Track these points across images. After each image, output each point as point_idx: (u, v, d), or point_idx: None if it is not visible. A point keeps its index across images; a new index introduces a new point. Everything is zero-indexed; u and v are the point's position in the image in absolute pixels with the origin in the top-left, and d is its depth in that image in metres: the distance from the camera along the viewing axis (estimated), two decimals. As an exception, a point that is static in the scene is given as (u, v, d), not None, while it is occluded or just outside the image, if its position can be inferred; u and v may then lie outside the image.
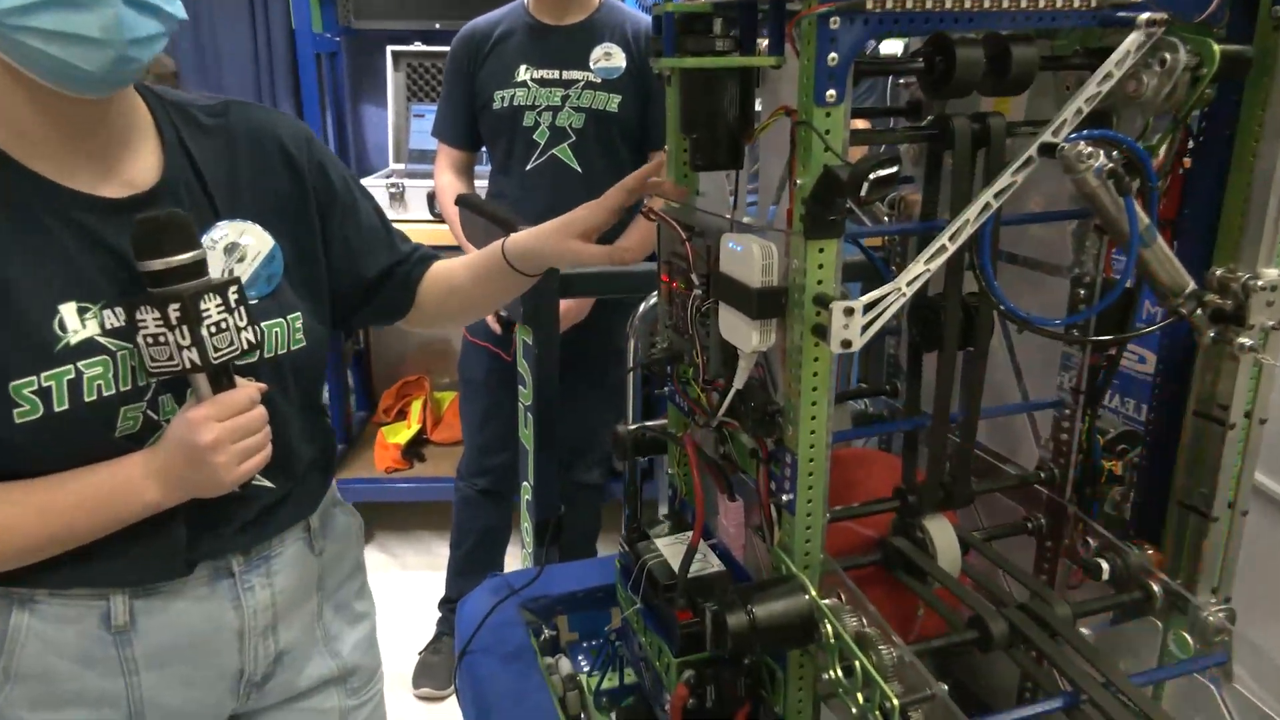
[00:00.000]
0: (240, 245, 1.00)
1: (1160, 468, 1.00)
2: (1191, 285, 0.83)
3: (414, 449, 3.02)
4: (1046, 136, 0.79)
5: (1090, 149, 0.76)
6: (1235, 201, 0.87)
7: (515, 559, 2.56)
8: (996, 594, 0.94)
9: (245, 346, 0.94)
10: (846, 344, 0.78)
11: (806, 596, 0.86)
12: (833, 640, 0.83)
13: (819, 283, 0.82)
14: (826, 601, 0.85)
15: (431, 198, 2.55)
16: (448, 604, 2.40)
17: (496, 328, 2.09)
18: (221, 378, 0.93)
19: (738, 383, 0.91)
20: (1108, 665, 0.79)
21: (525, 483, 1.58)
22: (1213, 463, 0.92)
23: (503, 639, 1.28)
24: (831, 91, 0.76)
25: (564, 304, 1.94)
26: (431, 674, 2.32)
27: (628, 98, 2.06)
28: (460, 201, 1.74)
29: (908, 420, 0.95)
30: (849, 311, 0.77)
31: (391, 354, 3.39)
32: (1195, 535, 0.94)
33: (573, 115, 2.08)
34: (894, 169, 0.71)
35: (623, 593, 1.16)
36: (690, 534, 1.11)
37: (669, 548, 1.08)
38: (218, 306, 0.91)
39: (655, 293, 1.51)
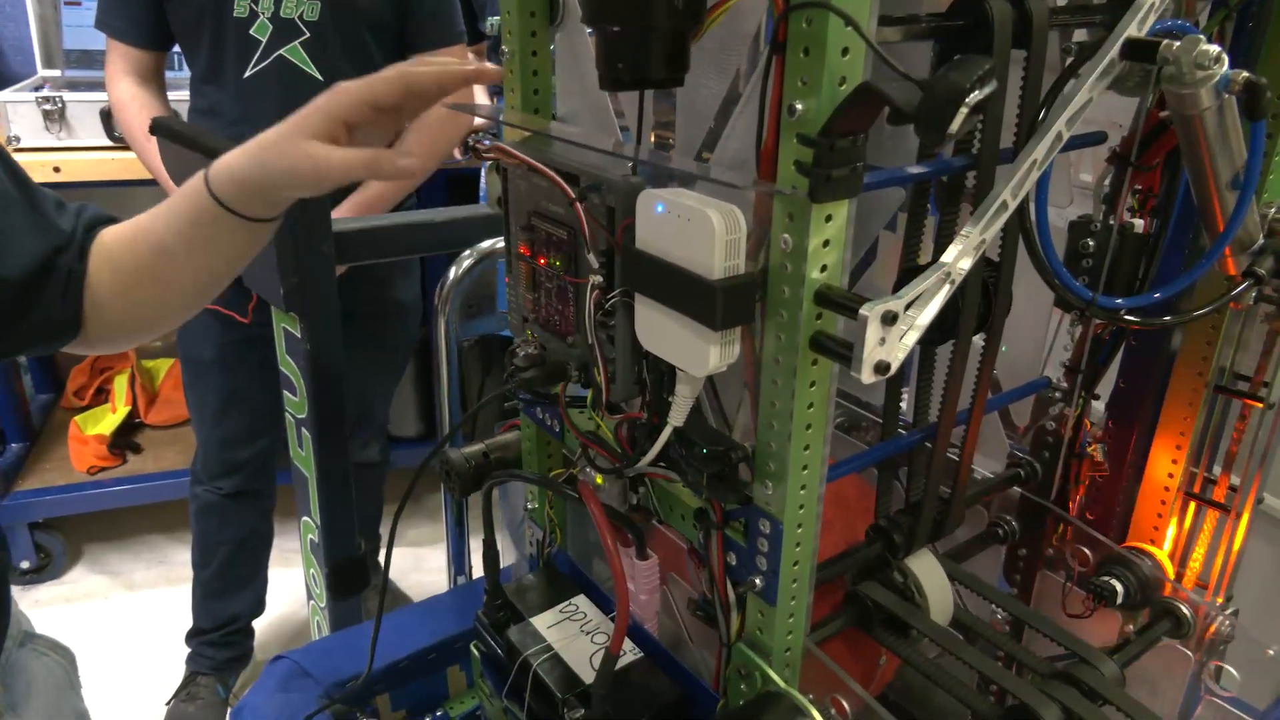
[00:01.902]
0: None
1: (1126, 449, 0.83)
2: (1262, 238, 0.63)
3: (124, 437, 2.39)
4: (1132, 30, 0.53)
5: (1215, 51, 0.50)
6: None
7: (283, 572, 2.11)
8: (990, 638, 0.73)
9: None
10: (884, 368, 0.49)
11: (807, 724, 0.59)
12: (859, 790, 0.57)
13: (823, 269, 0.51)
14: (833, 725, 0.59)
15: (107, 115, 1.90)
16: (198, 636, 1.92)
17: None
18: None
19: (675, 419, 0.60)
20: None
21: (306, 519, 1.17)
22: (1230, 446, 0.75)
23: (305, 755, 0.91)
24: (860, -52, 0.44)
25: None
26: (188, 727, 1.86)
27: (376, -21, 1.59)
28: (157, 129, 1.21)
29: (901, 439, 0.69)
30: (890, 318, 0.48)
31: (77, 316, 2.67)
32: (1208, 532, 0.78)
33: (303, 3, 1.57)
34: (993, 82, 0.41)
35: (483, 688, 0.83)
36: (575, 604, 0.80)
37: (555, 631, 0.77)
38: None
39: (468, 252, 1.13)
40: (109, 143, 1.94)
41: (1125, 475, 0.83)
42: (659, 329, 0.57)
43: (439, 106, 0.68)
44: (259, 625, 2.00)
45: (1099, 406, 0.85)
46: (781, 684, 0.61)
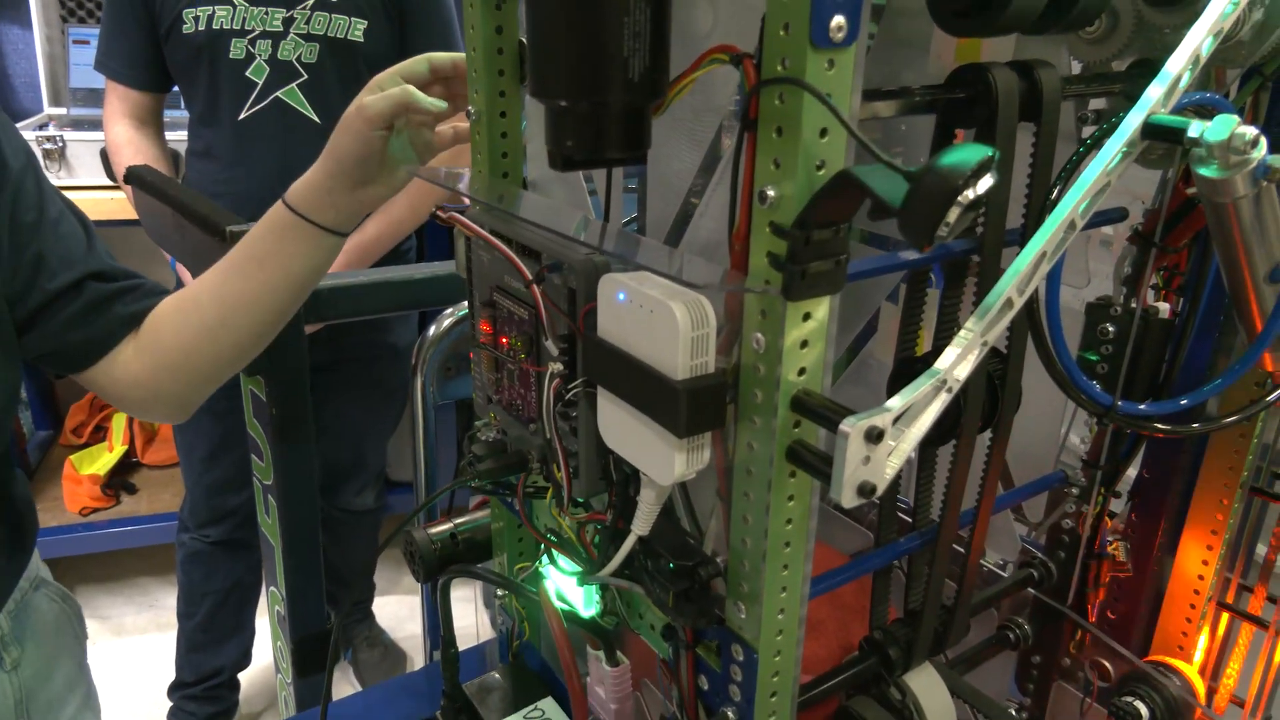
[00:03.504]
0: None
1: (1151, 546, 0.76)
2: (1305, 331, 0.56)
3: (119, 477, 2.35)
4: (1156, 108, 0.47)
5: (1253, 134, 0.44)
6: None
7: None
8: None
9: None
10: (869, 490, 0.42)
11: None
12: None
13: (801, 372, 0.45)
14: None
15: (106, 156, 1.89)
16: (180, 689, 1.85)
17: None
18: None
19: (640, 528, 0.53)
20: None
21: (274, 589, 1.11)
22: (1269, 554, 0.67)
23: None
24: (839, 20, 0.38)
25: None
26: (166, 784, 1.79)
27: (376, 21, 1.55)
28: (131, 178, 1.17)
29: (896, 546, 0.62)
30: (875, 435, 0.41)
31: (81, 351, 2.64)
32: (1243, 645, 0.70)
33: (301, 45, 1.54)
34: (992, 175, 0.35)
35: (443, 795, 0.76)
36: (542, 708, 0.73)
37: (517, 741, 0.70)
38: None
39: (449, 311, 1.08)
40: (108, 182, 1.92)
41: (1150, 575, 0.75)
42: (623, 427, 0.51)
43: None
44: (245, 678, 1.94)
45: (1120, 495, 0.77)
46: (756, 831, 0.53)
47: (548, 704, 0.73)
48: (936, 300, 0.57)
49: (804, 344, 0.45)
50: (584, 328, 0.53)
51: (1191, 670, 0.70)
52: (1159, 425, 0.58)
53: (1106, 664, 0.70)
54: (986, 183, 0.35)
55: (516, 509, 0.63)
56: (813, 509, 0.50)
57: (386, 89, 0.71)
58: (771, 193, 0.42)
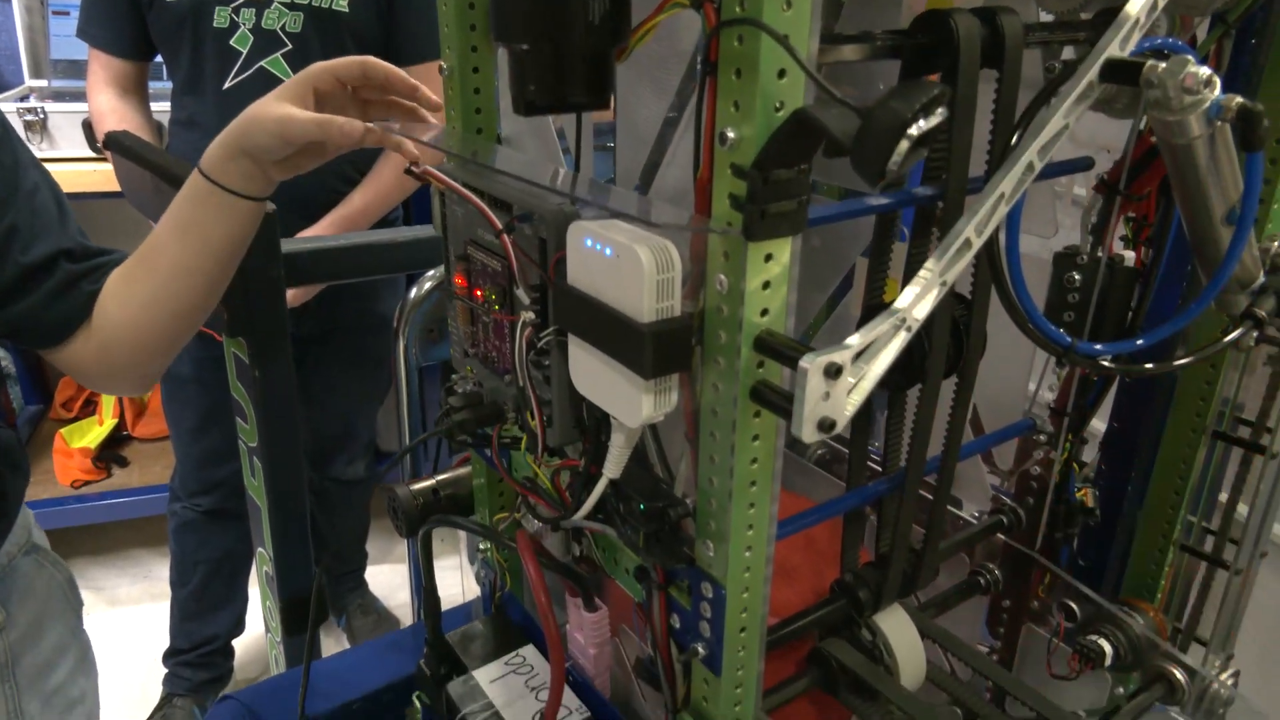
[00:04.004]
0: None
1: (1120, 495, 0.77)
2: (1263, 276, 0.57)
3: (110, 449, 2.36)
4: (1113, 50, 0.47)
5: (1205, 74, 0.45)
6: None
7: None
8: (967, 702, 0.67)
9: None
10: (828, 425, 0.43)
11: (753, 809, 0.53)
12: None
13: (763, 313, 0.46)
14: (783, 811, 0.53)
15: (89, 126, 1.87)
16: (175, 656, 1.87)
17: None
18: None
19: (611, 471, 0.54)
20: None
21: (261, 550, 1.13)
22: (1229, 495, 0.69)
23: (248, 804, 0.86)
24: (795, -41, 0.39)
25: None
26: (162, 749, 1.81)
27: (360, -11, 1.55)
28: (111, 144, 1.17)
29: (862, 490, 0.63)
30: (833, 371, 0.42)
31: (69, 326, 2.63)
32: (1202, 587, 0.72)
33: (285, 14, 1.53)
34: (941, 110, 0.36)
35: (428, 742, 0.78)
36: (524, 655, 0.75)
37: (499, 686, 0.72)
38: None
39: (430, 274, 1.08)
40: (90, 154, 1.91)
41: (1119, 524, 0.77)
42: (593, 373, 0.52)
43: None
44: (240, 644, 1.96)
45: (1091, 446, 0.79)
46: (727, 763, 0.55)
47: (529, 651, 0.75)
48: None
49: (766, 285, 0.46)
50: (554, 276, 0.54)
51: (1156, 611, 0.72)
52: (1111, 365, 0.59)
53: (1074, 606, 0.72)
54: (936, 117, 0.36)
55: (493, 460, 0.64)
56: (778, 450, 0.51)
57: (319, 84, 0.71)
58: (731, 134, 0.42)
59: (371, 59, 0.72)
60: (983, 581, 0.78)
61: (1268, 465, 0.65)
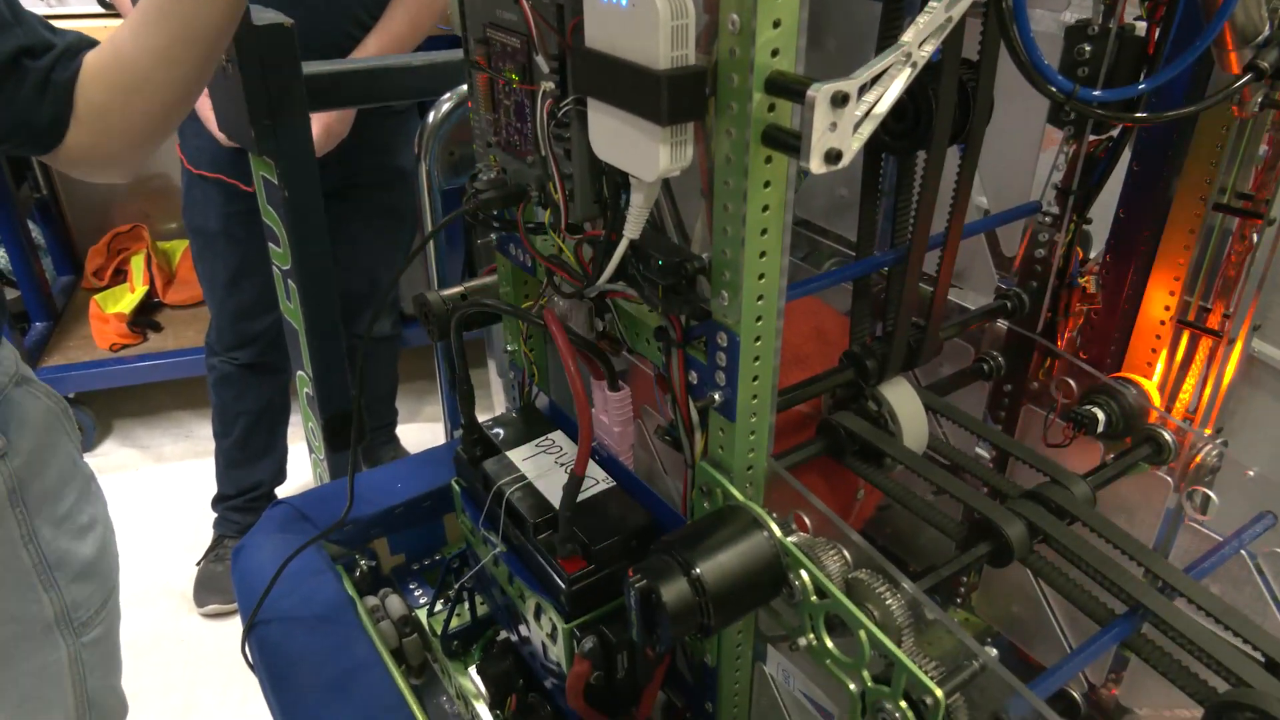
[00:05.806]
0: None
1: (1123, 284, 0.80)
2: (1268, 29, 0.58)
3: (144, 316, 2.43)
4: None
5: None
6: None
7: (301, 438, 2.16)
8: (965, 467, 0.72)
9: None
10: (834, 156, 0.46)
11: (766, 535, 0.59)
12: (813, 597, 0.57)
13: (774, 53, 0.48)
14: (792, 539, 0.59)
15: (97, -19, 1.86)
16: (223, 501, 1.99)
17: (224, 139, 1.45)
18: None
19: (630, 231, 0.58)
20: (1171, 573, 0.59)
21: (301, 373, 1.18)
22: (1230, 270, 0.71)
23: (302, 591, 0.95)
24: None
25: (318, 120, 1.44)
26: (217, 586, 1.94)
27: None
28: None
29: (869, 260, 0.66)
30: (840, 99, 0.45)
31: (92, 199, 2.66)
32: (1201, 362, 0.75)
33: None
34: None
35: (466, 524, 0.85)
36: (552, 438, 0.80)
37: (530, 463, 0.77)
38: None
39: (449, 95, 1.10)
40: (99, 10, 1.89)
41: (1120, 310, 0.80)
42: (611, 134, 0.55)
43: None
44: (282, 493, 2.07)
45: (1098, 243, 0.81)
46: (741, 498, 0.60)
47: (558, 435, 0.80)
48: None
49: (776, 23, 0.47)
50: (572, 42, 0.55)
51: (1150, 384, 0.75)
52: (1106, 113, 0.60)
53: (1072, 384, 0.76)
54: None
55: (520, 239, 0.67)
56: (788, 202, 0.54)
57: None
58: None
59: None
60: (986, 368, 0.81)
61: (1264, 232, 0.67)
